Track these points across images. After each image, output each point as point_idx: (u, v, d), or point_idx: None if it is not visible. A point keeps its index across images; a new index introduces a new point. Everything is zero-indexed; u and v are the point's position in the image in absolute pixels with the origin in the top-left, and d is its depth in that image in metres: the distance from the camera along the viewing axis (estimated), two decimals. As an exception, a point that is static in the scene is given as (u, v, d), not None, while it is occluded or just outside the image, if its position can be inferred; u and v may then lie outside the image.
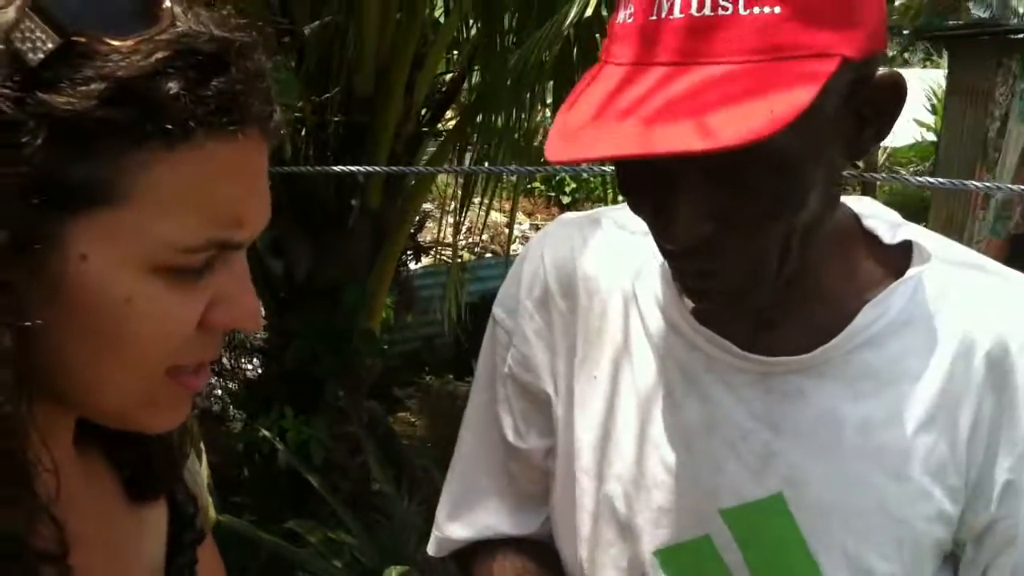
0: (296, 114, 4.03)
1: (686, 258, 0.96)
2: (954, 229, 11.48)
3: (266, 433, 3.88)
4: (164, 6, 0.70)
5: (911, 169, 17.26)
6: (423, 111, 4.63)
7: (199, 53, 0.69)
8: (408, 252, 6.44)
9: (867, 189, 13.79)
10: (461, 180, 4.58)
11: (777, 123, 0.79)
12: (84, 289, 0.69)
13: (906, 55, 21.72)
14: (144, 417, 0.79)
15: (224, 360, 6.38)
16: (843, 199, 1.07)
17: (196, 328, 0.74)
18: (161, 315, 0.72)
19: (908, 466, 1.01)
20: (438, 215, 6.05)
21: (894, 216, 1.10)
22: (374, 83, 4.10)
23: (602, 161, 0.88)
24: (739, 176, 0.88)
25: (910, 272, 1.03)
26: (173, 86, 0.67)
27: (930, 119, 16.77)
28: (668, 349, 1.08)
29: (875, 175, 2.79)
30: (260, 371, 5.47)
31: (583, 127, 0.85)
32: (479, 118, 4.17)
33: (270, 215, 0.77)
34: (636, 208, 0.96)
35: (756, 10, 0.83)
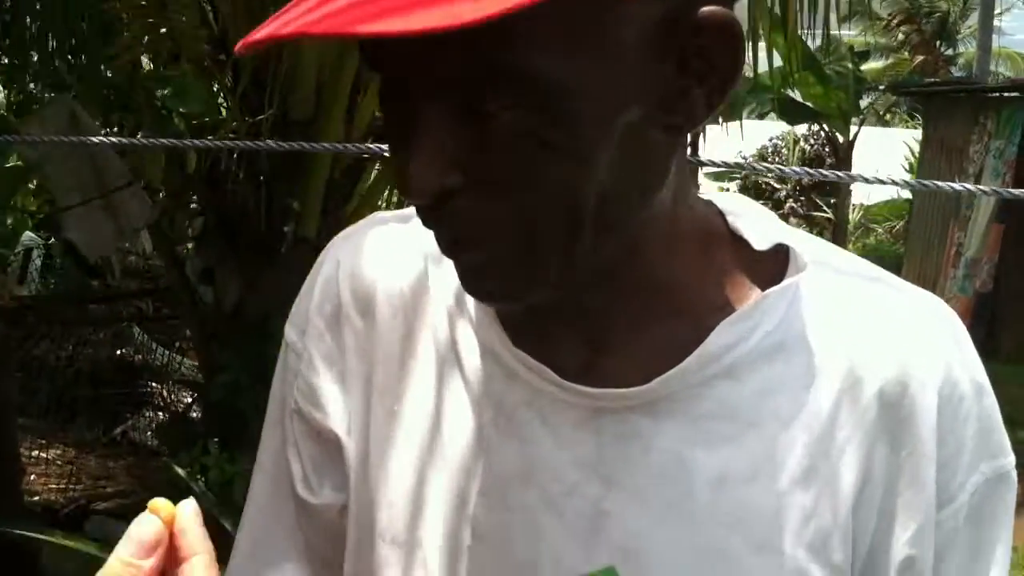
0: (230, 134, 3.86)
1: (435, 222, 0.76)
2: (927, 287, 11.45)
3: (179, 471, 3.67)
4: None
5: (885, 226, 17.25)
6: (366, 137, 4.47)
7: None
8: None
9: (837, 238, 13.74)
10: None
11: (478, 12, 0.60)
12: None
13: (887, 115, 21.82)
14: None
15: (164, 392, 6.23)
16: (714, 196, 0.89)
17: None
18: None
19: (777, 535, 0.80)
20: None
21: (766, 214, 0.89)
22: (313, 106, 3.94)
23: (272, 42, 0.65)
24: (486, 108, 0.69)
25: (783, 283, 0.82)
26: None
27: (906, 177, 16.77)
28: (484, 379, 0.86)
29: (829, 172, 2.63)
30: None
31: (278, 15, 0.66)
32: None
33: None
34: (393, 159, 0.76)
35: None
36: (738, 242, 0.86)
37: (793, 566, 0.80)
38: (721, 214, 0.88)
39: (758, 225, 0.86)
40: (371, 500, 0.90)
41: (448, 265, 0.84)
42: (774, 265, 0.85)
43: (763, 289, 0.83)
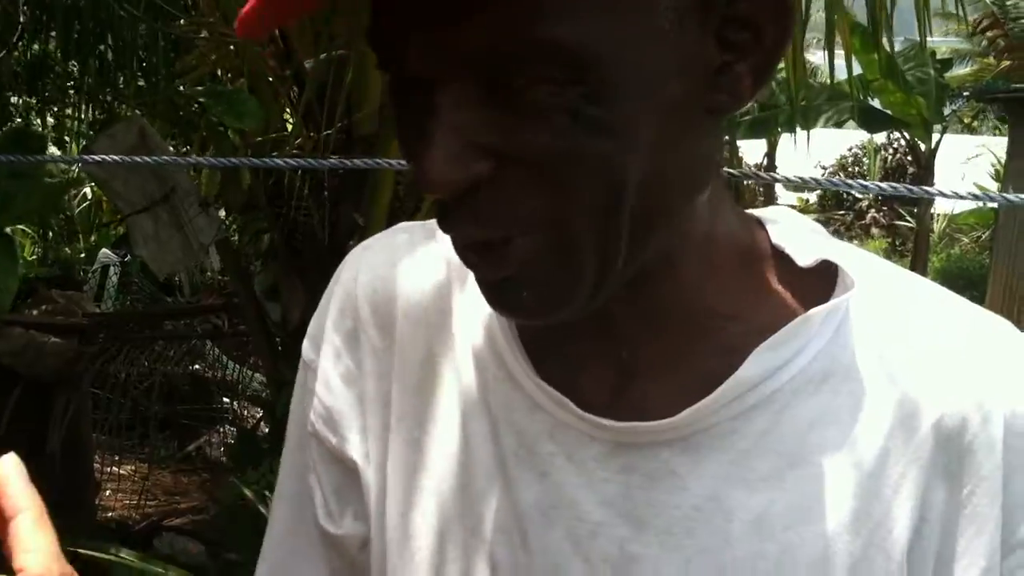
0: (294, 151, 3.86)
1: (457, 221, 0.67)
2: (1013, 300, 11.18)
3: (246, 491, 3.66)
4: None
5: (971, 236, 16.92)
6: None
7: None
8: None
9: (920, 248, 13.52)
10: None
11: None
12: None
13: (975, 123, 21.42)
14: None
15: (236, 408, 6.28)
16: (756, 209, 0.82)
17: None
18: None
19: None
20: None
21: (813, 227, 0.81)
22: (377, 122, 3.90)
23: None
24: (512, 84, 0.62)
25: (828, 304, 0.74)
26: None
27: (993, 186, 16.44)
28: (504, 406, 0.80)
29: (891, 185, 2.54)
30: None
31: None
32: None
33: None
34: (403, 151, 0.68)
35: None
36: (781, 259, 0.78)
37: None
38: (763, 228, 0.80)
39: (802, 239, 0.78)
40: (386, 532, 0.85)
41: (473, 282, 0.78)
42: (821, 284, 0.77)
43: (807, 310, 0.74)
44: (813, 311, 0.74)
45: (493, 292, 0.71)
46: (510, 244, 0.67)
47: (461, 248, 0.70)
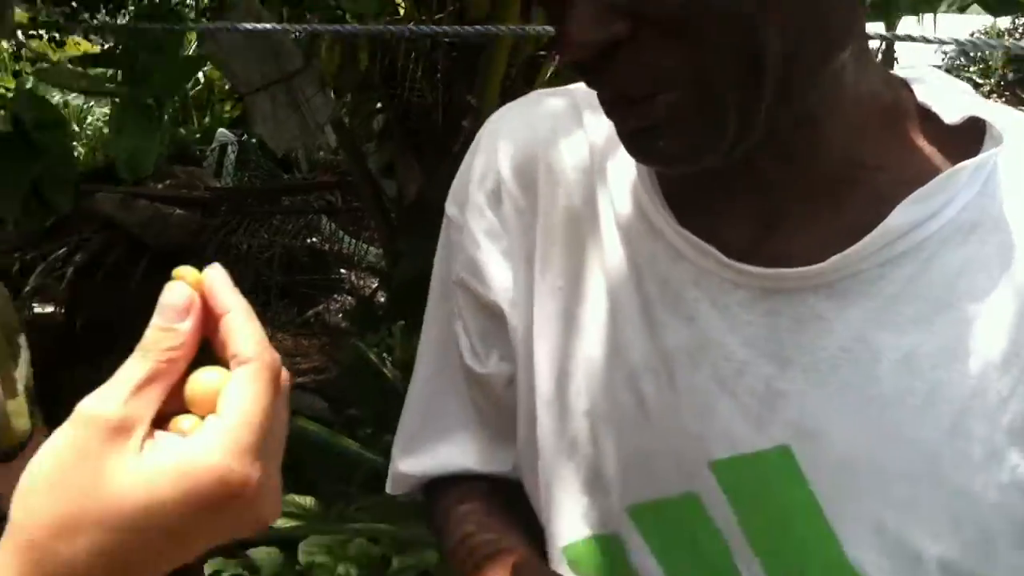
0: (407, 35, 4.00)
1: (600, 79, 0.72)
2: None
3: (368, 352, 3.89)
4: None
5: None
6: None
7: None
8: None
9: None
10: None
11: None
12: None
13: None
14: None
15: (352, 278, 6.52)
16: (899, 70, 0.84)
17: None
18: None
19: (972, 419, 0.74)
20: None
21: (958, 85, 0.82)
22: (489, 5, 4.00)
23: None
24: None
25: (977, 158, 0.75)
26: None
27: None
28: (648, 257, 0.83)
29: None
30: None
31: None
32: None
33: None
34: (547, 17, 0.73)
35: None
36: (927, 116, 0.80)
37: (988, 450, 0.74)
38: (908, 88, 0.82)
39: (949, 98, 0.80)
40: (537, 371, 0.90)
41: (611, 141, 0.84)
42: (968, 140, 0.78)
43: (955, 165, 0.76)
44: (961, 165, 0.75)
45: (633, 140, 0.75)
46: (653, 100, 0.70)
47: (605, 102, 0.74)
